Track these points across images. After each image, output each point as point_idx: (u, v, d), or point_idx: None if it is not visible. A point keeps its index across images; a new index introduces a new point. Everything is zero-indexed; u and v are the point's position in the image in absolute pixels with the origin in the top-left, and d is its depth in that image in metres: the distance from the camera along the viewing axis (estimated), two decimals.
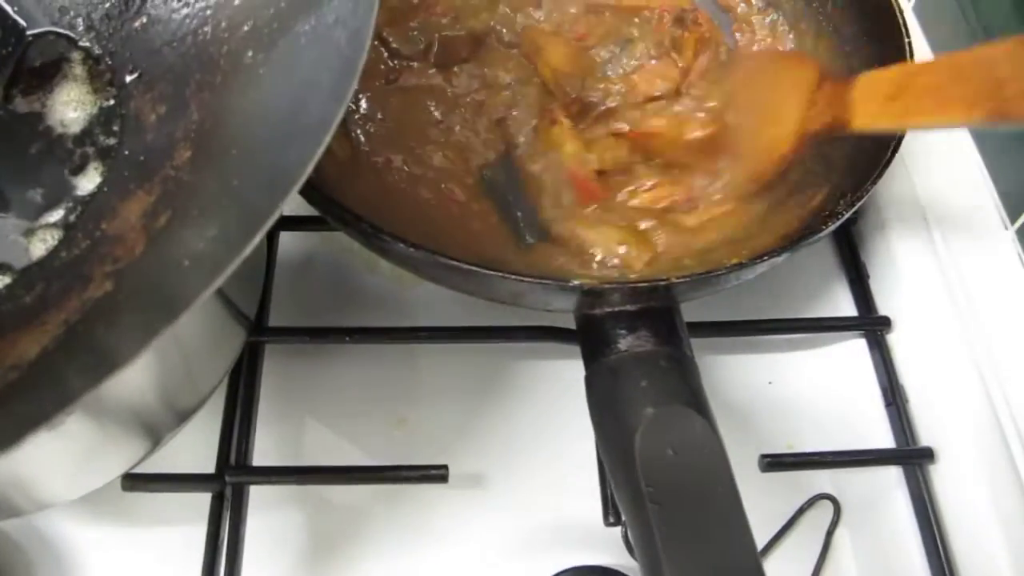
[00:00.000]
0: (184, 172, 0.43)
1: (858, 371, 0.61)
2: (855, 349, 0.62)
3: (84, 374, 0.31)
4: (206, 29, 0.47)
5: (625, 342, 0.46)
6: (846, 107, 0.53)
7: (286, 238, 0.63)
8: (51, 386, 0.35)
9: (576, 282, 0.45)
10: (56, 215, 0.45)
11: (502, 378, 0.60)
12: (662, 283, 0.45)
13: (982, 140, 0.64)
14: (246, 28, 0.46)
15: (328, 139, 0.34)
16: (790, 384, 0.61)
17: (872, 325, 0.61)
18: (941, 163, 0.64)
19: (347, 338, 0.56)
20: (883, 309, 0.62)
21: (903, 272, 0.61)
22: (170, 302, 0.33)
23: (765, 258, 0.47)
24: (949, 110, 0.47)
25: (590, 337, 0.47)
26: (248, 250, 0.32)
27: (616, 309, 0.46)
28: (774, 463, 0.54)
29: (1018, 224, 0.59)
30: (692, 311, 0.57)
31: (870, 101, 0.52)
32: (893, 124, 0.52)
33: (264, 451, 0.55)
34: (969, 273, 0.58)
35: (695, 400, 0.44)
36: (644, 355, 0.45)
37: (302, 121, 0.37)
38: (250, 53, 0.45)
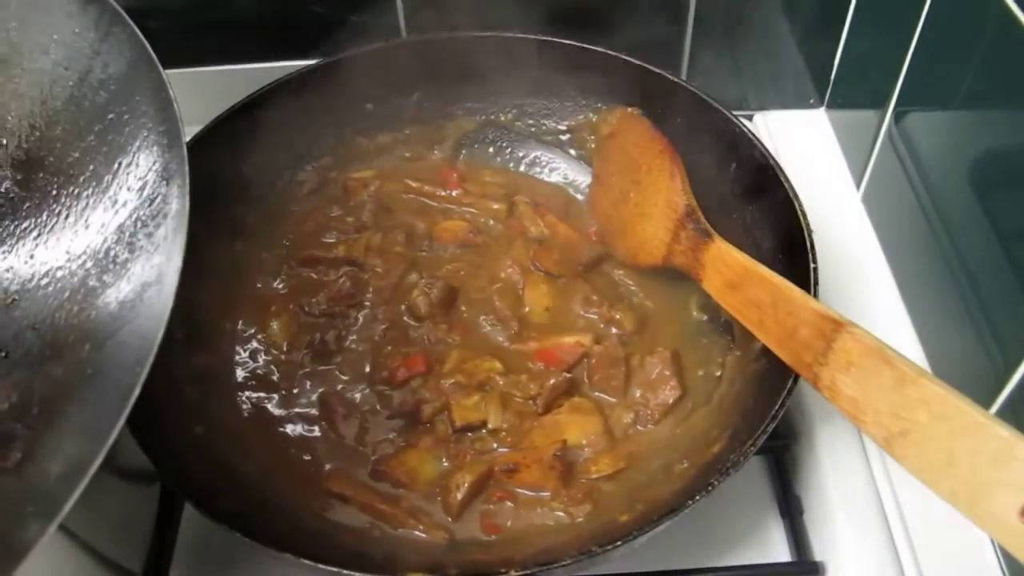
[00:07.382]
0: (11, 474, 0.43)
1: None
2: None
3: None
4: (61, 313, 0.47)
5: None
6: (701, 265, 0.56)
7: None
8: None
9: None
10: None
11: None
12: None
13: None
14: (91, 314, 0.46)
15: (131, 402, 0.38)
16: None
17: (801, 574, 0.55)
18: None
19: None
20: (817, 549, 0.56)
21: (836, 509, 0.56)
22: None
23: (633, 534, 0.43)
24: (764, 333, 0.50)
25: None
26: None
27: None
28: None
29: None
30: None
31: (716, 276, 0.54)
32: (731, 312, 0.53)
33: None
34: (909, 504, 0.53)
35: None
36: None
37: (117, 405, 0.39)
38: (87, 346, 0.45)
